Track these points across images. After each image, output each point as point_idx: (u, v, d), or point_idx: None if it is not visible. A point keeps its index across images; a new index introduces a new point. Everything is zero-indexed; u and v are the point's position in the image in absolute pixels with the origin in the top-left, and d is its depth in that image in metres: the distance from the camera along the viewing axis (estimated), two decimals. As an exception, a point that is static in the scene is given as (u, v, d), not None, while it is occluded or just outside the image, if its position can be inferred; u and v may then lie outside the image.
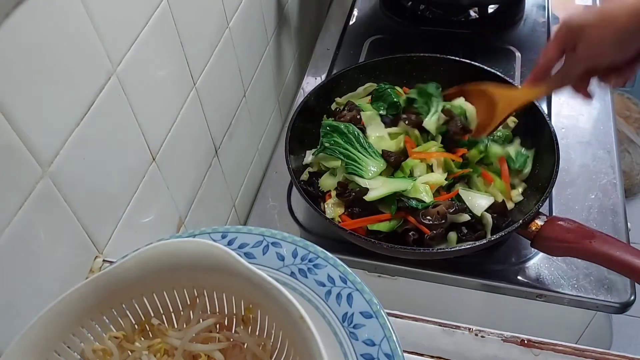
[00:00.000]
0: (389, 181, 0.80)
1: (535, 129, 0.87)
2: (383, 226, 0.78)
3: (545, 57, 0.72)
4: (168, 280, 0.45)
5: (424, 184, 0.79)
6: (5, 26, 0.43)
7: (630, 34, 0.64)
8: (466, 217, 0.78)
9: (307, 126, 0.91)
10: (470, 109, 0.86)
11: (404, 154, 0.84)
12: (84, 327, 0.43)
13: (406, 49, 1.00)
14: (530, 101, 0.79)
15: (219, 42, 0.81)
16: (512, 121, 0.91)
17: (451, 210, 0.77)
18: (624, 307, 0.78)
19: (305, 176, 0.87)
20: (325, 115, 0.95)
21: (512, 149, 0.87)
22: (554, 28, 1.17)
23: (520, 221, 0.73)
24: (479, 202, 0.79)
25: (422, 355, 0.54)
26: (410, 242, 0.76)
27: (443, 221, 0.76)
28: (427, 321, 0.56)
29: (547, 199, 0.77)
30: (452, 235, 0.78)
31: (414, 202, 0.77)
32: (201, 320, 0.46)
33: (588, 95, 0.72)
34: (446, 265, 0.82)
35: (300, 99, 1.05)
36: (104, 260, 0.59)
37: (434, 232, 0.76)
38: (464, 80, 0.95)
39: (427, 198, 0.78)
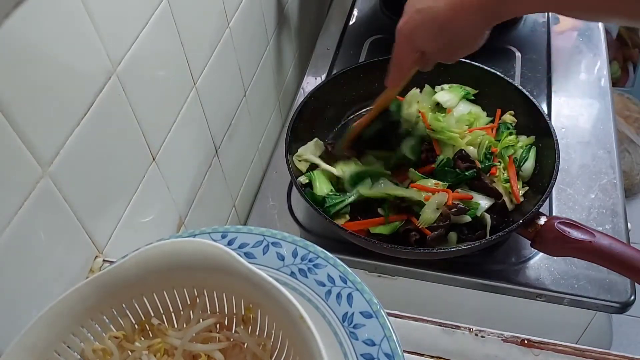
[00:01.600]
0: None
1: (535, 129, 0.87)
2: (384, 229, 0.78)
3: (399, 66, 0.76)
4: (168, 280, 0.45)
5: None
6: (5, 26, 0.43)
7: (445, 29, 0.65)
8: (467, 219, 0.78)
9: (307, 126, 0.91)
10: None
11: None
12: (84, 327, 0.43)
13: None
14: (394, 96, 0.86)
15: (219, 42, 0.81)
16: (511, 120, 0.91)
17: (453, 211, 0.77)
18: (624, 307, 0.78)
19: (304, 179, 0.87)
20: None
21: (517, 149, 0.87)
22: (554, 28, 1.17)
23: (520, 221, 0.73)
24: (478, 203, 0.79)
25: (422, 355, 0.54)
26: (412, 243, 0.77)
27: (445, 222, 0.76)
28: (427, 321, 0.56)
29: (547, 199, 0.77)
30: (453, 236, 0.78)
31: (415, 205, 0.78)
32: (201, 320, 0.46)
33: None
34: (446, 265, 0.82)
35: (300, 99, 1.05)
36: (104, 260, 0.59)
37: (436, 232, 0.76)
38: (464, 80, 0.95)
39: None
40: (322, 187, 0.84)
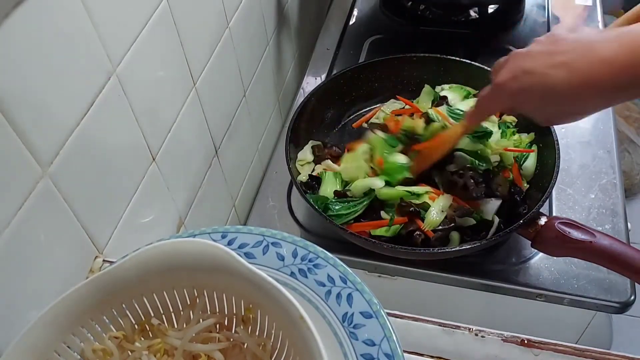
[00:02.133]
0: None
1: (535, 129, 0.87)
2: (385, 231, 0.78)
3: (483, 113, 0.70)
4: (168, 280, 0.45)
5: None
6: (5, 26, 0.43)
7: (560, 104, 0.56)
8: (472, 221, 0.78)
9: (307, 126, 0.91)
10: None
11: None
12: (84, 327, 0.43)
13: (406, 49, 1.00)
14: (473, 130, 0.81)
15: (219, 42, 0.81)
16: (511, 120, 0.91)
17: (457, 214, 0.77)
18: (624, 307, 0.78)
19: (304, 178, 0.87)
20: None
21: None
22: (553, 28, 1.17)
23: (521, 221, 0.73)
24: (487, 205, 0.79)
25: (422, 355, 0.54)
26: (417, 244, 0.76)
27: (450, 225, 0.76)
28: (427, 321, 0.56)
29: (547, 199, 0.77)
30: (455, 235, 0.78)
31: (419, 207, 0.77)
32: (201, 320, 0.46)
33: None
34: (446, 265, 0.82)
35: (300, 99, 1.05)
36: (104, 260, 0.59)
37: (439, 234, 0.76)
38: (464, 80, 0.95)
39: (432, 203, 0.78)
40: (328, 188, 0.83)
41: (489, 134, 0.85)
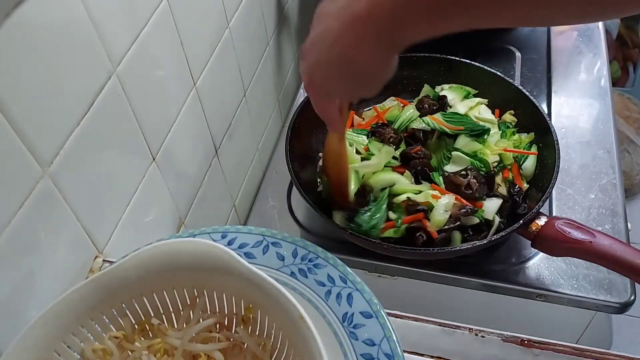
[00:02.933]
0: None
1: (535, 129, 0.87)
2: (394, 232, 0.78)
3: (331, 119, 0.66)
4: (168, 280, 0.45)
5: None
6: (5, 26, 0.43)
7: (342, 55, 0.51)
8: (476, 220, 0.78)
9: (307, 126, 0.91)
10: None
11: None
12: (84, 327, 0.43)
13: (406, 49, 0.99)
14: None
15: (219, 42, 0.81)
16: (511, 119, 0.91)
17: (462, 212, 0.77)
18: (624, 307, 0.78)
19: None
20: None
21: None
22: (554, 28, 1.17)
23: (521, 221, 0.73)
24: (488, 205, 0.79)
25: (422, 355, 0.54)
26: (419, 244, 0.76)
27: (455, 224, 0.76)
28: (427, 321, 0.56)
29: (547, 199, 0.77)
30: (457, 235, 0.78)
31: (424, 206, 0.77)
32: (201, 320, 0.46)
33: None
34: (446, 265, 0.82)
35: (300, 99, 1.05)
36: (104, 260, 0.59)
37: (444, 234, 0.76)
38: (464, 80, 0.95)
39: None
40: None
41: (486, 131, 0.85)
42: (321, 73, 0.55)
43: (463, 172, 0.81)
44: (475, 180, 0.79)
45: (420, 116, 0.90)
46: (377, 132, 0.89)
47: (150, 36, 0.62)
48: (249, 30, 0.92)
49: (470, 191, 0.79)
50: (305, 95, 0.92)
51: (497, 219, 0.79)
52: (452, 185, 0.80)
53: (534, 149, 0.86)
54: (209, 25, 0.77)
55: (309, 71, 0.57)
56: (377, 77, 0.56)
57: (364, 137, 0.89)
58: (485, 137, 0.85)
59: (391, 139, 0.88)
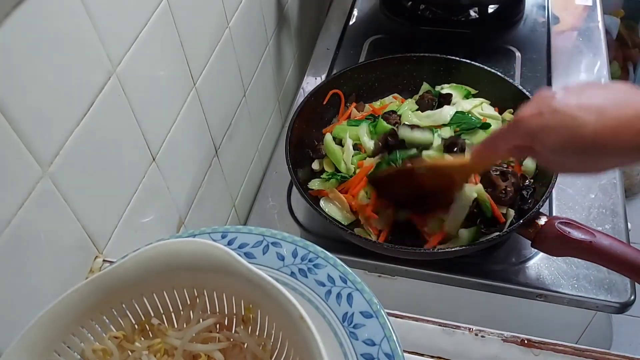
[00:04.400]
0: None
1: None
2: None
3: (492, 150, 0.63)
4: (168, 280, 0.45)
5: None
6: (5, 26, 0.43)
7: (587, 147, 0.50)
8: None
9: (307, 126, 0.91)
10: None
11: None
12: (84, 327, 0.43)
13: (406, 49, 1.00)
14: (483, 169, 0.77)
15: (219, 42, 0.81)
16: (510, 118, 0.91)
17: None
18: (624, 307, 0.78)
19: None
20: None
21: None
22: (554, 28, 1.18)
23: (521, 221, 0.73)
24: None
25: (422, 355, 0.54)
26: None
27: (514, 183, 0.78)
28: (427, 321, 0.56)
29: (547, 199, 0.77)
30: (464, 233, 0.77)
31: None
32: (201, 320, 0.46)
33: None
34: (446, 265, 0.82)
35: (300, 99, 1.05)
36: (104, 260, 0.59)
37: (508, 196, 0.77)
38: (464, 80, 0.95)
39: None
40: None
41: (487, 125, 0.86)
42: (552, 125, 0.52)
43: (505, 175, 0.79)
44: (512, 189, 0.78)
45: (420, 110, 0.91)
46: (385, 117, 0.89)
47: (150, 36, 0.62)
48: (249, 30, 0.92)
49: (504, 196, 0.78)
50: (305, 95, 0.92)
51: (512, 213, 0.79)
52: (488, 181, 0.79)
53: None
54: (209, 25, 0.77)
55: (539, 114, 0.53)
56: (582, 170, 0.56)
57: (363, 128, 0.89)
58: (489, 129, 0.86)
59: (396, 124, 0.88)
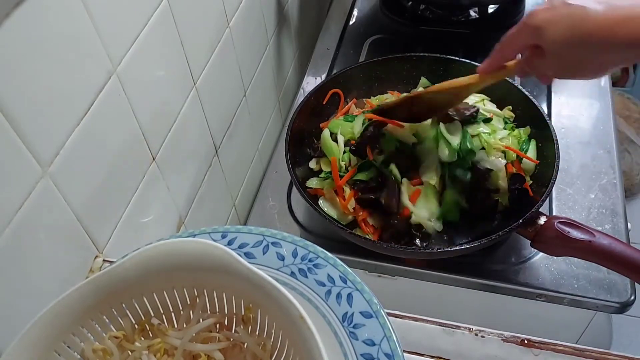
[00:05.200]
0: None
1: (535, 129, 0.87)
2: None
3: (503, 50, 0.66)
4: (168, 280, 0.45)
5: None
6: (5, 26, 0.43)
7: (586, 36, 0.53)
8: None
9: (307, 126, 0.91)
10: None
11: None
12: (84, 327, 0.43)
13: (406, 49, 1.00)
14: (487, 84, 0.77)
15: (219, 42, 0.81)
16: (510, 115, 0.91)
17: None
18: (624, 307, 0.78)
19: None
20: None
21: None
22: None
23: (520, 221, 0.73)
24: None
25: (422, 355, 0.54)
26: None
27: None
28: (427, 321, 0.56)
29: (547, 199, 0.77)
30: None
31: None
32: (201, 320, 0.46)
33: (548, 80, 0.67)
34: (446, 265, 0.82)
35: (300, 99, 1.05)
36: (104, 260, 0.59)
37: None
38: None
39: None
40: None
41: (489, 119, 0.86)
42: (559, 15, 0.55)
43: (491, 195, 0.81)
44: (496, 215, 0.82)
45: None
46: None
47: (150, 36, 0.62)
48: (249, 30, 0.92)
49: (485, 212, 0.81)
50: (305, 95, 0.92)
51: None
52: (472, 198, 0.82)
53: (532, 145, 0.86)
54: (209, 25, 0.77)
55: (550, 7, 0.57)
56: (594, 66, 0.57)
57: (358, 122, 0.89)
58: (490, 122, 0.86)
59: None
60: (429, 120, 0.84)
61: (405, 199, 0.79)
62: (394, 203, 0.78)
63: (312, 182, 0.86)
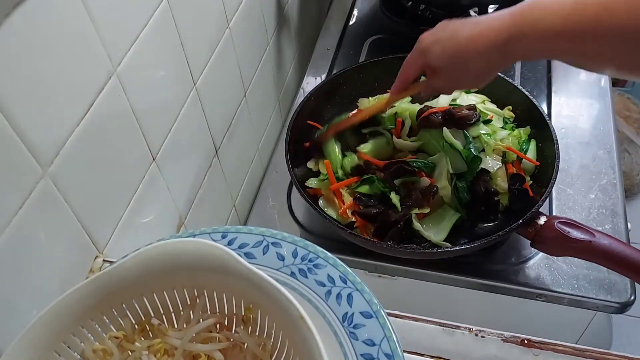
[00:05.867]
0: None
1: (535, 129, 0.87)
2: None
3: (404, 74, 0.77)
4: (168, 280, 0.45)
5: None
6: (5, 26, 0.43)
7: (458, 52, 0.67)
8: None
9: (307, 126, 0.91)
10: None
11: None
12: (84, 327, 0.43)
13: (406, 49, 0.99)
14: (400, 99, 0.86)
15: (219, 42, 0.81)
16: (509, 115, 0.91)
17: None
18: (624, 307, 0.78)
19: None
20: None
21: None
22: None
23: (520, 221, 0.73)
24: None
25: (422, 355, 0.54)
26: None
27: None
28: (427, 321, 0.56)
29: (547, 199, 0.77)
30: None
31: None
32: (201, 320, 0.46)
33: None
34: (446, 265, 0.82)
35: (300, 99, 1.05)
36: (104, 260, 0.59)
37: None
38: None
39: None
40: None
41: (489, 120, 0.86)
42: (438, 38, 0.70)
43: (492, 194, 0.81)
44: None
45: (417, 102, 0.92)
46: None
47: (150, 36, 0.62)
48: (249, 30, 0.92)
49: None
50: (305, 95, 0.92)
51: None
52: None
53: (532, 145, 0.86)
54: (209, 25, 0.77)
55: (434, 32, 0.71)
56: (472, 75, 0.70)
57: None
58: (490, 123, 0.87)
59: None
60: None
61: (416, 224, 0.79)
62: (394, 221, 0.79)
63: (312, 182, 0.86)
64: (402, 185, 0.82)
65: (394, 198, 0.79)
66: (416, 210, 0.79)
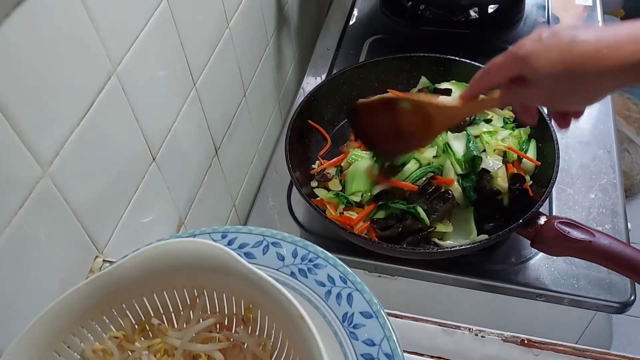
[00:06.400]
0: None
1: (535, 129, 0.87)
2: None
3: (486, 78, 0.63)
4: (168, 280, 0.45)
5: None
6: (5, 26, 0.43)
7: (576, 63, 0.52)
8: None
9: (307, 126, 0.91)
10: None
11: None
12: (84, 327, 0.43)
13: (406, 49, 1.00)
14: (469, 116, 0.77)
15: (219, 42, 0.81)
16: (509, 115, 0.91)
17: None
18: (624, 307, 0.78)
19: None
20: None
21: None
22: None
23: (520, 221, 0.73)
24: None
25: (422, 355, 0.54)
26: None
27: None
28: (427, 321, 0.56)
29: (547, 199, 0.77)
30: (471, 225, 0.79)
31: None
32: (201, 320, 0.46)
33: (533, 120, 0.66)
34: (446, 265, 0.82)
35: (300, 99, 1.05)
36: (104, 260, 0.59)
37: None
38: (464, 80, 0.95)
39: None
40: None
41: (489, 120, 0.86)
42: (547, 44, 0.54)
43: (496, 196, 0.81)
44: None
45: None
46: None
47: (150, 36, 0.62)
48: (249, 30, 0.92)
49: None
50: (305, 95, 0.92)
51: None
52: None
53: (533, 145, 0.86)
54: (209, 25, 0.77)
55: (538, 37, 0.55)
56: (576, 97, 0.57)
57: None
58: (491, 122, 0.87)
59: None
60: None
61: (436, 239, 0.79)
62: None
63: (321, 193, 0.85)
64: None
65: (422, 213, 0.78)
66: (443, 228, 0.79)
